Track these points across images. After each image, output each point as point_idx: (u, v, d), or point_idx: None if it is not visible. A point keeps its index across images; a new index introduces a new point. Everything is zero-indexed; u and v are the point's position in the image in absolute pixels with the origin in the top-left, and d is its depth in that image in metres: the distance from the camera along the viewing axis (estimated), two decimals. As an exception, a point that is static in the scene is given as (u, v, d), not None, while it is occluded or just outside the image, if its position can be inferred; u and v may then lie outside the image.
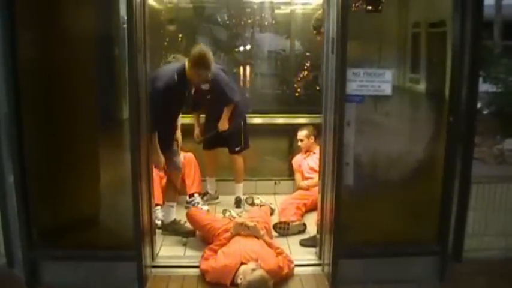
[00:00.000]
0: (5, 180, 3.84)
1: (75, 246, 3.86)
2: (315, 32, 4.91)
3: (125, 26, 3.54)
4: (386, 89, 3.69)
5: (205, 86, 5.18)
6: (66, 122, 3.83)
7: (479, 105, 6.97)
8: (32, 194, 3.78)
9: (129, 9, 3.47)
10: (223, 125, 5.33)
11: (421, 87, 4.04)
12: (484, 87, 7.34)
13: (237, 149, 5.47)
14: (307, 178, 5.52)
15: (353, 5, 3.72)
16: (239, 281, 3.70)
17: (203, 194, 5.68)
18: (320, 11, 4.78)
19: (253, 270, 3.68)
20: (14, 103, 3.62)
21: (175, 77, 4.42)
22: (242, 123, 5.48)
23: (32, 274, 3.84)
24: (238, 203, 5.51)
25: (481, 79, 7.03)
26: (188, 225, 4.75)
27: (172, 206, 4.80)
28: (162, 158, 4.52)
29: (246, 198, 5.60)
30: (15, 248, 3.94)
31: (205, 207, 5.45)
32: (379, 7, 3.76)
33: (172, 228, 4.76)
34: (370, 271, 3.92)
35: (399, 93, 3.87)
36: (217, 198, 5.80)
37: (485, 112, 6.75)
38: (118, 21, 3.70)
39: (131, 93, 3.64)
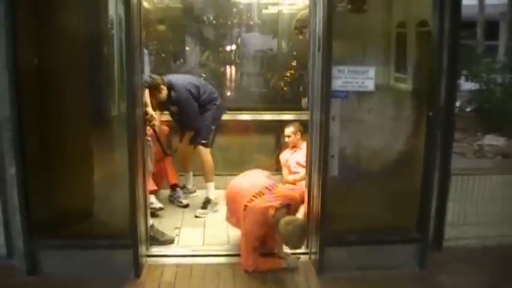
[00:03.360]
0: (6, 172, 4.05)
1: (73, 237, 4.08)
2: (296, 32, 5.16)
3: (122, 25, 3.80)
4: (370, 85, 3.96)
5: (174, 108, 5.64)
6: (63, 120, 4.06)
7: (460, 103, 7.34)
8: (31, 187, 3.97)
9: (127, 9, 3.71)
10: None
11: (402, 84, 4.35)
12: (467, 85, 7.68)
13: (203, 141, 5.59)
14: (294, 173, 5.76)
15: (339, 5, 4.01)
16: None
17: (181, 187, 5.92)
18: (302, 12, 5.08)
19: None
20: (16, 103, 3.82)
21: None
22: (213, 127, 5.69)
23: (31, 264, 4.04)
24: (205, 204, 5.59)
25: (463, 78, 7.42)
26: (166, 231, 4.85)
27: None
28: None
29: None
30: (15, 239, 4.14)
31: (185, 201, 5.70)
32: (364, 7, 4.07)
33: (149, 236, 4.54)
34: (354, 258, 4.18)
35: (381, 90, 4.14)
36: (195, 191, 6.05)
37: (467, 109, 7.07)
38: (114, 21, 3.98)
39: (129, 90, 3.87)
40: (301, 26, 4.91)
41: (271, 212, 4.13)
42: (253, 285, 3.98)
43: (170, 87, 5.48)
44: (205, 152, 5.63)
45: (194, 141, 5.66)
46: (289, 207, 4.25)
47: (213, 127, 5.67)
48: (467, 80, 7.76)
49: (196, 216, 5.38)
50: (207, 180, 5.67)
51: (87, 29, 4.05)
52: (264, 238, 4.24)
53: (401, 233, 4.30)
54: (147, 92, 4.72)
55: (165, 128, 5.88)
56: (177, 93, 5.50)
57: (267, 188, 4.36)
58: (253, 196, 4.29)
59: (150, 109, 4.73)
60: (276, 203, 4.18)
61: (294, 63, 6.67)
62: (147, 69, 4.87)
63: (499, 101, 6.28)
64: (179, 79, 5.64)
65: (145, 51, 4.76)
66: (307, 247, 4.44)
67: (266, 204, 4.18)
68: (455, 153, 4.85)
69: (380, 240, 4.23)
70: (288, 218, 4.07)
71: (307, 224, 4.22)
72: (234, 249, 4.53)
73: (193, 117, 5.57)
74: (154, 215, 5.11)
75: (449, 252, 4.51)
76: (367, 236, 4.21)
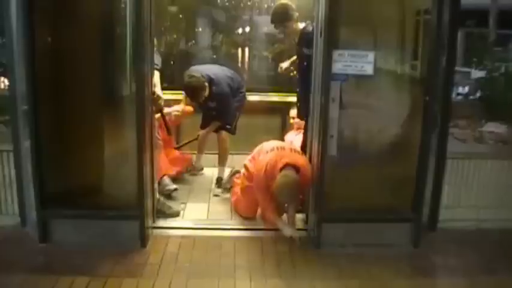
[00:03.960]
0: (21, 146, 4.34)
1: (83, 207, 4.33)
2: (274, 26, 5.18)
3: (133, 6, 4.03)
4: (369, 69, 4.15)
5: (213, 104, 5.77)
6: (76, 98, 4.28)
7: (467, 90, 7.49)
8: (45, 160, 4.22)
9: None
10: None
11: (402, 69, 4.54)
12: (477, 74, 7.82)
13: (227, 126, 5.83)
14: (298, 154, 5.98)
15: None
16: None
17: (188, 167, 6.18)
18: (278, 4, 5.17)
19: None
20: (32, 80, 4.05)
21: None
22: (237, 113, 5.93)
23: (44, 232, 4.30)
24: (219, 183, 5.78)
25: (473, 66, 7.56)
26: (173, 204, 5.11)
27: None
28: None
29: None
30: (28, 209, 4.44)
31: (173, 186, 5.47)
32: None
33: (156, 209, 4.80)
34: (350, 235, 4.40)
35: (381, 75, 4.32)
36: (202, 169, 6.27)
37: (472, 97, 7.23)
38: (127, 2, 4.17)
39: (138, 69, 4.11)
40: (280, 19, 4.98)
41: (280, 165, 4.43)
42: (252, 258, 4.21)
43: (210, 82, 5.64)
44: (226, 138, 5.86)
45: (220, 127, 5.88)
46: (298, 171, 4.45)
47: (237, 113, 5.89)
48: (475, 68, 7.93)
49: (216, 195, 5.57)
50: (223, 164, 5.90)
51: (100, 10, 4.25)
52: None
53: (396, 213, 4.52)
54: (156, 73, 4.86)
55: (189, 108, 6.08)
56: (219, 88, 5.66)
57: (291, 149, 4.72)
58: (276, 148, 4.66)
59: (157, 89, 4.87)
60: (287, 161, 4.45)
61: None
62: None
63: (503, 90, 6.41)
64: (216, 73, 5.78)
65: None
66: (306, 223, 4.69)
67: (280, 159, 4.49)
68: (456, 139, 5.08)
69: (376, 219, 4.45)
70: (287, 171, 4.37)
71: (300, 183, 4.41)
72: (236, 223, 4.82)
73: (229, 110, 5.81)
74: (170, 196, 5.31)
75: (444, 233, 4.73)
76: (364, 214, 4.42)
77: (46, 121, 4.20)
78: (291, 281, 3.93)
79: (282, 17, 5.01)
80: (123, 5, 4.29)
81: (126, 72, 4.33)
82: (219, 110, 5.82)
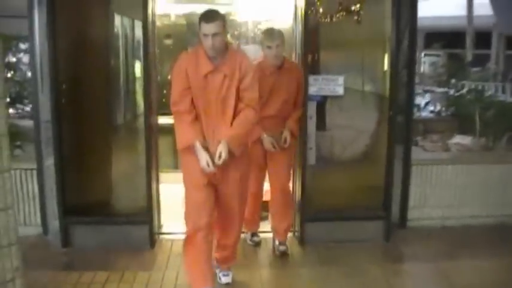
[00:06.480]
0: (43, 164, 5.22)
1: (100, 215, 5.19)
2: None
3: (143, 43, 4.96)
4: (340, 90, 5.10)
5: None
6: (92, 121, 5.18)
7: (439, 107, 8.41)
8: (67, 176, 5.08)
9: (145, 30, 4.89)
10: None
11: (370, 89, 5.48)
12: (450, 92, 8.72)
13: None
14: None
15: (315, 23, 5.11)
16: None
17: None
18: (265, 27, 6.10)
19: None
20: (55, 108, 4.94)
21: None
22: None
23: (66, 237, 5.14)
24: None
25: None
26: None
27: None
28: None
29: None
30: (50, 219, 5.30)
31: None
32: (334, 27, 5.16)
33: None
34: (330, 233, 5.27)
35: (352, 94, 5.28)
36: None
37: (445, 114, 8.15)
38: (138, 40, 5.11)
39: (146, 97, 5.01)
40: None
41: None
42: (246, 254, 5.13)
43: None
44: None
45: None
46: None
47: None
48: (444, 86, 8.87)
49: None
50: None
51: (113, 44, 5.20)
52: None
53: (369, 212, 5.40)
54: None
55: None
56: None
57: None
58: None
59: None
60: None
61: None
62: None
63: (468, 106, 7.32)
64: None
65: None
66: (292, 226, 5.56)
67: None
68: (428, 151, 6.06)
69: (352, 217, 5.34)
70: None
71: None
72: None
73: None
74: None
75: (413, 230, 5.65)
76: (341, 214, 5.31)
77: (68, 142, 5.08)
78: (280, 269, 4.84)
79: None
80: (136, 44, 5.25)
81: (136, 100, 5.28)
82: None
